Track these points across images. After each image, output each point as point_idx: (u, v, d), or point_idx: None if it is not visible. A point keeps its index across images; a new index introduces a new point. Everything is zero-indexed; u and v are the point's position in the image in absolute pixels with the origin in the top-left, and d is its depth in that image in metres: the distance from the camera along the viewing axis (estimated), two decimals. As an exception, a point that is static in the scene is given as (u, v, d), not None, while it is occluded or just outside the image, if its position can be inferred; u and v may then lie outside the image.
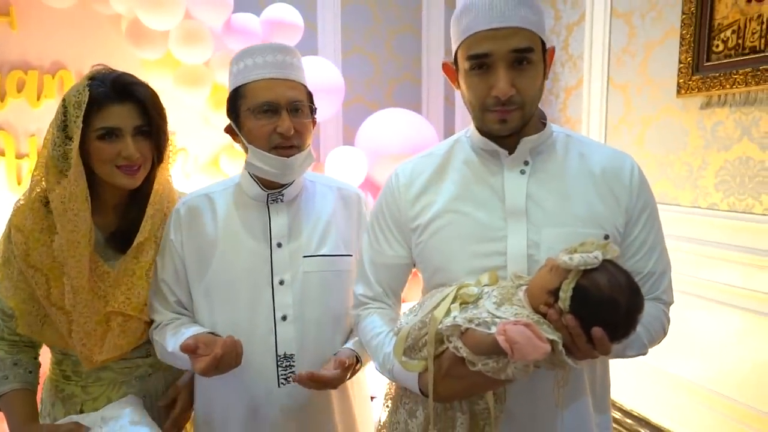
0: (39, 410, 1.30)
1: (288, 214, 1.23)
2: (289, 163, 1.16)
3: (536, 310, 0.90)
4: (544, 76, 1.01)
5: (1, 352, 1.25)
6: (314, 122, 1.24)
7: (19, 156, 2.13)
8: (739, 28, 2.00)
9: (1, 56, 2.08)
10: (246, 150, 1.19)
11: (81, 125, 1.12)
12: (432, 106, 3.27)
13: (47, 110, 2.12)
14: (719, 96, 2.09)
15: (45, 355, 1.30)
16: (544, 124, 1.06)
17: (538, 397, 1.01)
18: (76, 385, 1.25)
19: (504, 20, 0.93)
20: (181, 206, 1.25)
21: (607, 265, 0.87)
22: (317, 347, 1.19)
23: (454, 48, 1.02)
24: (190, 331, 1.15)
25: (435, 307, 0.96)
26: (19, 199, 1.22)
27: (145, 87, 1.21)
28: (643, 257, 1.04)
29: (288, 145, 1.15)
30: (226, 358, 1.05)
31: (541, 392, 1.00)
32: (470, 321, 0.89)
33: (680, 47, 2.19)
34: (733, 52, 2.02)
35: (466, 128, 1.13)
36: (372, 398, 2.03)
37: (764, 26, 1.91)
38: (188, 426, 1.34)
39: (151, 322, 1.25)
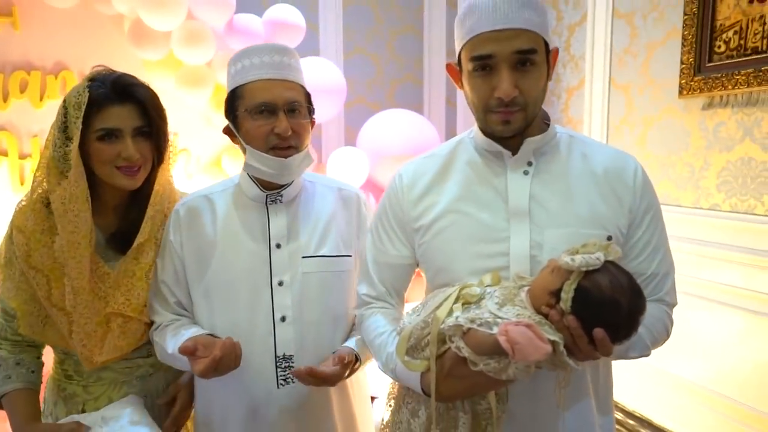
0: (42, 409, 1.31)
1: (287, 214, 1.23)
2: (286, 164, 1.16)
3: (538, 311, 0.90)
4: (548, 77, 1.01)
5: (3, 351, 1.25)
6: (313, 123, 1.24)
7: (22, 156, 2.14)
8: (741, 28, 2.00)
9: (4, 57, 2.08)
10: (244, 151, 1.19)
11: (81, 126, 1.12)
12: (433, 107, 3.27)
13: (50, 111, 2.12)
14: (721, 97, 2.09)
15: (48, 355, 1.30)
16: (548, 125, 1.06)
17: (541, 398, 1.01)
18: (77, 384, 1.25)
19: (507, 22, 0.94)
20: (180, 207, 1.25)
21: (609, 266, 0.87)
22: (316, 348, 1.19)
23: (457, 49, 1.02)
24: (189, 333, 1.15)
25: (437, 307, 0.96)
26: (21, 200, 1.22)
27: (145, 88, 1.21)
28: (647, 258, 1.04)
29: (285, 146, 1.15)
30: (225, 359, 1.05)
31: (543, 393, 1.01)
32: (472, 321, 0.89)
33: (682, 48, 2.19)
34: (735, 52, 2.02)
35: (470, 129, 1.13)
36: (373, 399, 2.04)
37: (766, 27, 1.91)
38: (189, 425, 1.34)
39: (152, 323, 1.25)
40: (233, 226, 1.22)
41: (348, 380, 1.26)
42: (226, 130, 1.23)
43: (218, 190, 1.28)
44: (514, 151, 1.03)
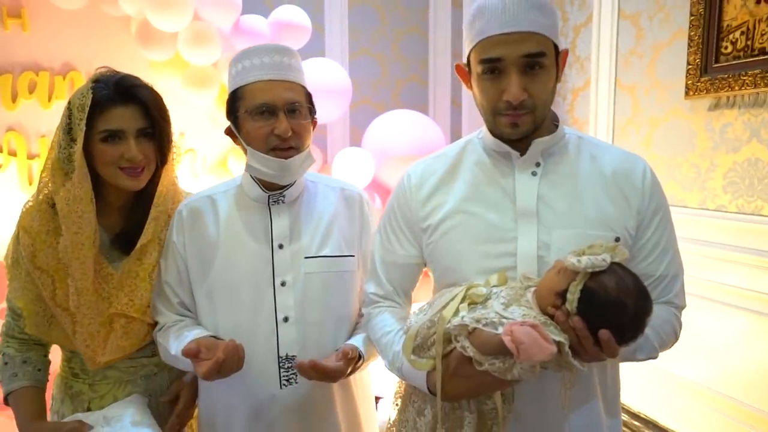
0: (50, 405, 1.32)
1: (289, 215, 1.23)
2: (287, 165, 1.15)
3: (544, 312, 0.90)
4: (557, 78, 1.01)
5: (11, 350, 1.26)
6: (314, 123, 1.24)
7: (31, 156, 2.15)
8: (748, 29, 1.99)
9: (12, 58, 2.10)
10: (245, 152, 1.19)
11: (84, 128, 1.13)
12: (439, 108, 3.27)
13: (58, 111, 2.12)
14: (728, 97, 2.08)
15: (56, 352, 1.31)
16: (557, 126, 1.06)
17: (547, 399, 1.01)
18: (83, 382, 1.26)
19: (516, 24, 0.93)
20: (183, 208, 1.25)
21: (616, 267, 0.87)
22: (319, 348, 1.19)
23: (466, 51, 1.02)
24: (192, 334, 1.15)
25: (444, 307, 0.96)
26: (28, 201, 1.23)
27: (148, 89, 1.22)
28: (655, 260, 1.04)
29: (286, 147, 1.15)
30: (228, 362, 1.06)
31: (550, 394, 1.00)
32: (478, 321, 0.90)
33: (688, 49, 2.18)
34: (742, 53, 2.01)
35: (479, 129, 1.13)
36: (377, 399, 2.04)
37: (773, 28, 1.90)
38: (193, 424, 1.35)
39: (155, 323, 1.25)
40: (236, 227, 1.22)
41: (352, 380, 1.27)
42: (228, 131, 1.23)
43: (221, 190, 1.28)
44: (523, 151, 1.03)
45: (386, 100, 3.17)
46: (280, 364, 1.18)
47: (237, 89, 1.17)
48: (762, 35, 1.94)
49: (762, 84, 1.93)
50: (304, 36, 2.31)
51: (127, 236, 1.23)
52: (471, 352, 0.90)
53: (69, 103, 1.17)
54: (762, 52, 1.94)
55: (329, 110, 2.32)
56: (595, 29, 2.67)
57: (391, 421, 1.22)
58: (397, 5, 3.16)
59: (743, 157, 2.06)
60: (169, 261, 1.24)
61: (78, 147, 1.13)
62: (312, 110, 1.22)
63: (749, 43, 1.98)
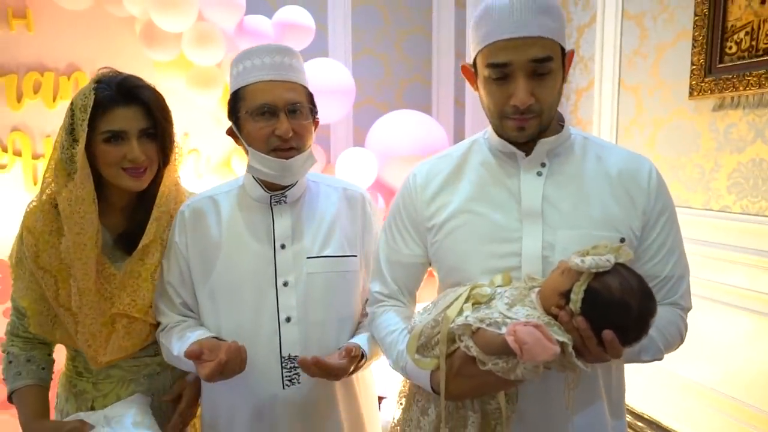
0: (55, 403, 1.33)
1: (291, 215, 1.23)
2: (288, 165, 1.16)
3: (548, 312, 0.90)
4: (563, 80, 1.01)
5: (15, 348, 1.27)
6: (316, 123, 1.23)
7: (35, 156, 2.16)
8: (752, 29, 1.98)
9: (17, 58, 2.11)
10: (247, 152, 1.19)
11: (86, 128, 1.14)
12: (442, 108, 3.27)
13: (62, 111, 2.13)
14: (732, 98, 2.07)
15: (61, 351, 1.32)
16: (562, 126, 1.06)
17: (551, 399, 1.01)
18: (87, 381, 1.27)
19: (524, 29, 0.93)
20: (185, 208, 1.26)
21: (620, 268, 0.87)
22: (321, 348, 1.19)
23: (473, 52, 1.02)
24: (194, 335, 1.16)
25: (448, 307, 0.97)
26: (32, 201, 1.23)
27: (151, 89, 1.22)
28: (661, 261, 1.04)
29: (286, 147, 1.15)
30: (231, 363, 1.06)
31: (554, 394, 1.01)
32: (481, 321, 0.90)
33: (692, 49, 2.17)
34: (746, 53, 2.00)
35: (484, 130, 1.13)
36: (380, 399, 2.04)
37: (778, 28, 1.90)
38: (197, 423, 1.35)
39: (157, 323, 1.26)
40: (238, 228, 1.22)
41: (354, 379, 1.27)
42: (230, 132, 1.23)
43: (223, 191, 1.28)
44: (528, 152, 1.03)
45: (389, 100, 3.17)
46: (283, 365, 1.18)
47: (238, 90, 1.17)
48: (766, 35, 1.93)
49: (766, 84, 1.92)
50: (307, 36, 2.31)
51: (130, 236, 1.24)
52: (474, 351, 0.90)
53: (72, 103, 1.17)
54: (766, 52, 1.93)
55: (332, 110, 2.33)
56: (598, 29, 2.66)
57: (395, 420, 1.22)
58: (400, 5, 3.16)
59: (747, 157, 2.05)
60: (172, 261, 1.24)
61: (80, 147, 1.14)
62: (313, 110, 1.22)
63: (754, 43, 1.98)
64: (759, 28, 1.96)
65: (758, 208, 2.02)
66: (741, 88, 2.01)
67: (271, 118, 1.14)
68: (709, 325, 2.15)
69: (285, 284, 1.19)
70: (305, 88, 1.21)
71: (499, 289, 0.96)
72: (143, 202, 1.25)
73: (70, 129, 1.17)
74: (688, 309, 1.08)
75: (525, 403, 1.01)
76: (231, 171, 2.46)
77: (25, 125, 2.14)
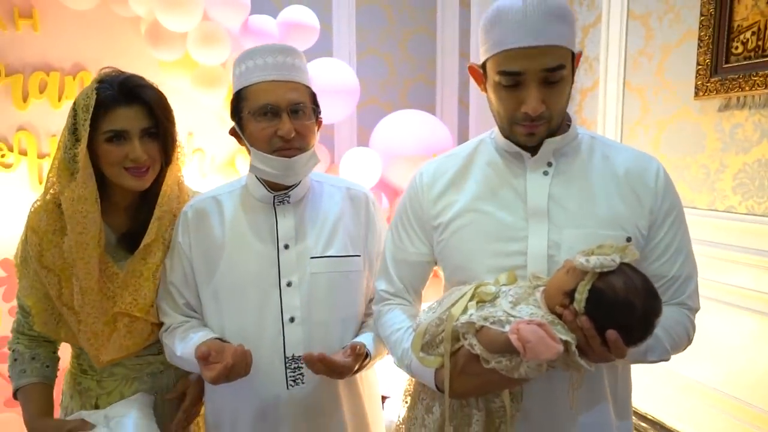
0: (61, 400, 1.33)
1: (295, 215, 1.23)
2: (290, 164, 1.15)
3: (552, 311, 0.90)
4: (572, 82, 1.00)
5: (20, 346, 1.28)
6: (319, 123, 1.23)
7: (41, 156, 2.17)
8: (759, 29, 1.97)
9: (23, 58, 2.12)
10: (249, 152, 1.19)
11: (88, 128, 1.14)
12: (446, 108, 3.27)
13: (68, 111, 2.15)
14: (738, 98, 2.06)
15: (66, 349, 1.32)
16: (569, 126, 1.06)
17: (556, 399, 1.01)
18: (91, 379, 1.27)
19: (538, 38, 0.92)
20: (188, 209, 1.26)
21: (625, 268, 0.87)
22: (325, 348, 1.18)
23: (482, 55, 1.01)
24: (198, 336, 1.16)
25: (453, 305, 0.97)
26: (36, 201, 1.24)
27: (152, 89, 1.22)
28: (668, 261, 1.03)
29: (289, 148, 1.15)
30: (236, 367, 1.06)
31: (558, 394, 1.00)
32: (485, 319, 0.90)
33: (698, 49, 2.16)
34: (752, 53, 2.00)
35: (491, 129, 1.13)
36: (384, 398, 2.04)
37: (785, 28, 1.89)
38: (200, 422, 1.35)
39: (159, 323, 1.26)
40: (241, 228, 1.22)
41: (358, 379, 1.27)
42: (232, 132, 1.23)
43: (226, 191, 1.28)
44: (534, 151, 1.03)
45: (394, 99, 3.17)
46: (287, 365, 1.18)
47: (241, 90, 1.17)
48: (773, 35, 1.92)
49: (773, 84, 1.91)
50: (312, 36, 2.31)
51: (133, 236, 1.24)
52: (478, 349, 0.90)
53: (74, 103, 1.18)
54: (773, 52, 1.92)
55: (337, 110, 2.33)
56: (604, 29, 2.66)
57: (400, 419, 1.22)
58: (404, 5, 3.16)
59: (753, 158, 2.04)
60: (175, 262, 1.24)
61: (82, 147, 1.14)
62: (316, 110, 1.21)
63: (760, 43, 1.97)
64: (765, 28, 1.95)
65: (764, 208, 2.01)
66: (747, 89, 2.00)
67: (274, 118, 1.14)
68: (713, 326, 2.14)
69: (289, 284, 1.19)
70: (308, 87, 1.20)
71: (503, 288, 0.96)
72: (146, 202, 1.25)
73: (72, 129, 1.17)
74: (696, 310, 1.07)
75: (530, 402, 1.01)
76: (235, 170, 2.46)
77: (31, 125, 2.15)
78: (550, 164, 1.04)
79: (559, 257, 0.98)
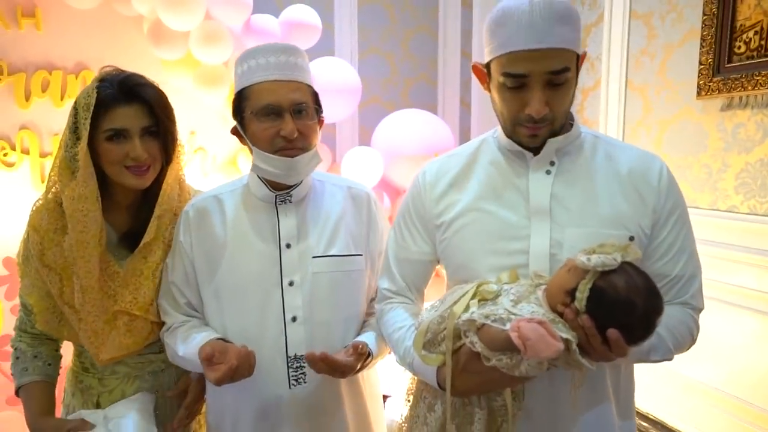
0: (63, 398, 1.34)
1: (296, 214, 1.23)
2: (293, 164, 1.15)
3: (553, 309, 0.90)
4: (576, 83, 1.00)
5: (23, 344, 1.28)
6: (321, 122, 1.23)
7: (43, 155, 2.18)
8: (762, 29, 1.97)
9: (26, 57, 2.12)
10: (251, 151, 1.18)
11: (88, 127, 1.14)
12: (448, 107, 3.27)
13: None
14: (740, 97, 2.06)
15: (69, 346, 1.33)
16: (572, 125, 1.06)
17: (558, 398, 1.01)
18: (93, 377, 1.27)
19: (543, 41, 0.91)
20: (190, 208, 1.25)
21: (626, 266, 0.87)
22: (327, 348, 1.17)
23: (487, 55, 1.00)
24: (200, 337, 1.16)
25: (454, 303, 0.97)
26: (38, 199, 1.24)
27: (153, 87, 1.22)
28: (671, 260, 1.03)
29: (291, 148, 1.14)
30: (240, 369, 1.06)
31: (561, 393, 1.00)
32: (486, 317, 0.90)
33: (701, 48, 2.16)
34: (755, 53, 1.99)
35: (494, 129, 1.13)
36: (385, 398, 2.04)
37: (787, 27, 1.88)
38: (201, 420, 1.36)
39: (159, 321, 1.26)
40: (243, 227, 1.22)
41: (360, 378, 1.27)
42: (234, 131, 1.23)
43: (227, 190, 1.28)
44: (537, 151, 1.03)
45: (395, 99, 3.17)
46: (289, 364, 1.18)
47: (243, 89, 1.17)
48: (775, 35, 1.92)
49: (775, 84, 1.91)
50: (314, 35, 2.31)
51: (135, 234, 1.24)
52: (479, 347, 0.91)
53: (75, 102, 1.18)
54: (775, 51, 1.92)
55: (338, 109, 2.33)
56: (606, 29, 2.65)
57: (403, 418, 1.23)
58: (406, 4, 3.16)
59: (756, 157, 2.04)
60: (176, 261, 1.24)
61: (82, 146, 1.14)
62: (318, 110, 1.21)
63: (763, 42, 1.96)
64: (768, 27, 1.94)
65: (766, 208, 2.01)
66: (749, 88, 2.00)
67: (276, 118, 1.13)
68: (715, 325, 2.14)
69: (291, 284, 1.19)
70: (310, 87, 1.20)
71: (505, 286, 0.96)
72: (148, 200, 1.25)
73: (73, 128, 1.17)
74: (700, 309, 1.06)
75: (532, 401, 1.01)
76: (237, 170, 2.46)
77: (33, 123, 2.16)
78: (552, 163, 1.04)
79: (561, 256, 0.98)
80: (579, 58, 0.98)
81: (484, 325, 0.90)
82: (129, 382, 1.27)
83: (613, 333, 0.85)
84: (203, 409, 1.32)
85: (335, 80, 2.27)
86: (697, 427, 2.24)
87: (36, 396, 1.24)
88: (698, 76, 2.18)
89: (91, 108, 1.14)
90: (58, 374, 1.32)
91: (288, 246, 1.20)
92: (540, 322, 0.84)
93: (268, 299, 1.19)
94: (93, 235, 1.16)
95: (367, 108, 3.02)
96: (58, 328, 1.25)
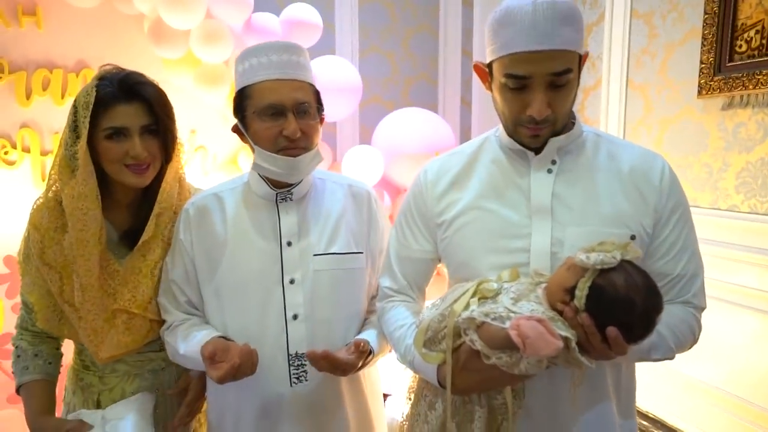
0: (63, 396, 1.34)
1: (297, 212, 1.23)
2: (295, 163, 1.15)
3: (553, 308, 0.90)
4: (578, 83, 1.00)
5: (24, 342, 1.28)
6: (322, 120, 1.23)
7: (44, 153, 2.18)
8: (763, 28, 1.97)
9: (27, 55, 2.12)
10: (253, 150, 1.18)
11: (88, 125, 1.14)
12: (448, 106, 3.27)
13: (71, 108, 2.16)
14: (741, 97, 2.06)
15: (69, 345, 1.33)
16: (573, 124, 1.06)
17: (558, 396, 1.01)
18: (94, 375, 1.28)
19: (546, 42, 0.91)
20: (190, 206, 1.25)
21: (625, 265, 0.87)
22: (328, 346, 1.18)
23: (489, 55, 1.00)
24: (201, 335, 1.16)
25: (455, 301, 0.97)
26: (38, 198, 1.24)
27: (152, 86, 1.22)
28: (673, 259, 1.03)
29: (294, 147, 1.14)
30: (243, 367, 1.06)
31: (561, 392, 1.01)
32: (486, 315, 0.90)
33: (702, 47, 2.16)
34: (756, 52, 1.99)
35: (495, 127, 1.13)
36: (386, 396, 2.04)
37: (788, 26, 1.88)
38: (202, 418, 1.36)
39: (158, 320, 1.26)
40: (243, 225, 1.22)
41: (361, 376, 1.27)
42: (235, 129, 1.22)
43: (228, 188, 1.28)
44: (538, 150, 1.03)
45: (396, 98, 3.17)
46: (290, 362, 1.18)
47: (244, 88, 1.16)
48: (777, 34, 1.92)
49: (776, 83, 1.91)
50: (315, 34, 2.31)
51: (135, 233, 1.24)
52: (479, 345, 0.91)
53: (75, 100, 1.18)
54: (777, 50, 1.92)
55: (339, 108, 2.33)
56: (607, 28, 2.65)
57: (404, 416, 1.23)
58: (407, 3, 3.16)
59: (756, 156, 2.04)
60: (176, 259, 1.24)
61: (81, 144, 1.14)
62: (320, 108, 1.21)
63: (764, 42, 1.96)
64: (769, 26, 1.94)
65: (766, 207, 2.01)
66: (750, 87, 2.00)
67: (279, 118, 1.13)
68: (715, 325, 2.14)
69: (292, 282, 1.19)
70: (312, 86, 1.20)
71: (505, 285, 0.96)
72: (148, 199, 1.25)
73: (73, 126, 1.17)
74: (702, 308, 1.06)
75: (532, 399, 1.01)
76: (238, 168, 2.46)
77: (34, 122, 2.16)
78: (554, 162, 1.04)
79: (562, 255, 0.98)
80: (581, 59, 0.98)
81: (483, 323, 0.90)
82: (129, 380, 1.27)
83: (612, 331, 0.85)
84: (204, 408, 1.33)
85: (336, 79, 2.27)
86: (697, 426, 2.25)
87: (36, 394, 1.25)
88: (699, 76, 2.18)
89: (91, 106, 1.14)
90: (59, 373, 1.32)
91: (289, 244, 1.20)
92: (539, 320, 0.84)
93: (269, 297, 1.19)
94: (93, 234, 1.16)
95: (367, 107, 3.03)
96: (59, 327, 1.25)
